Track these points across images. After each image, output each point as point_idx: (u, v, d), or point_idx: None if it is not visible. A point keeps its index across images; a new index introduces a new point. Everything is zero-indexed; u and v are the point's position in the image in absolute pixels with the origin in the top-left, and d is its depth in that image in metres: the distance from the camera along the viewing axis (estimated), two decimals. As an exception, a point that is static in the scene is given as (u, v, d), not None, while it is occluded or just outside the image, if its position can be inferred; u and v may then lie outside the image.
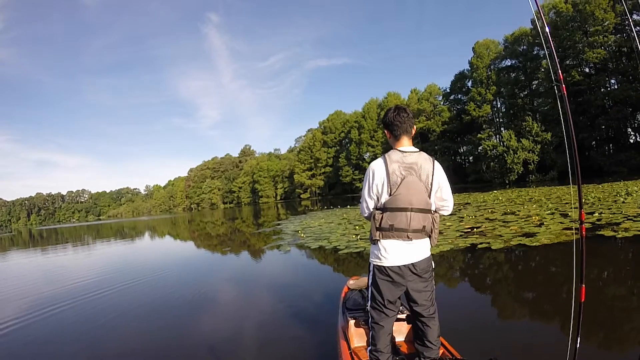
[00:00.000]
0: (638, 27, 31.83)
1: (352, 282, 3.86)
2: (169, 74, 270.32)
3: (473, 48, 49.71)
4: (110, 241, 22.70)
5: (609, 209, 9.91)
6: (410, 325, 2.67)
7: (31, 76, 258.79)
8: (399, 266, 2.22)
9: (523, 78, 46.09)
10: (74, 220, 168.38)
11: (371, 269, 2.33)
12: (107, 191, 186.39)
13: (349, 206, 27.53)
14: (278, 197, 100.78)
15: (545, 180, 35.87)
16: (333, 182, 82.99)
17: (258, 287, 6.78)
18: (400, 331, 2.83)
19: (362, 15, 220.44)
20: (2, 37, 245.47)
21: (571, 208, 10.58)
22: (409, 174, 2.16)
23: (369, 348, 2.40)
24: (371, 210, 2.28)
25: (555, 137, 37.71)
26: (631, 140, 37.90)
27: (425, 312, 2.31)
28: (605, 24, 34.03)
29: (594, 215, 9.15)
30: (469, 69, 51.00)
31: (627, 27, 34.16)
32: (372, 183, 2.22)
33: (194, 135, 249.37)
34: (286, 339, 3.92)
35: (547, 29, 2.25)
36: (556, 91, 2.23)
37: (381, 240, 2.23)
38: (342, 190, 78.36)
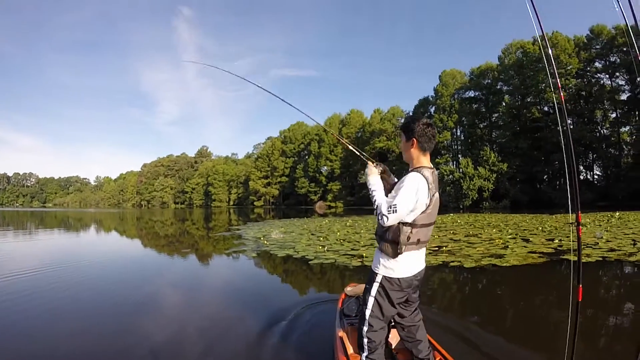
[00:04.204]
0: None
1: (349, 289, 3.76)
2: (132, 61, 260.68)
3: (439, 76, 51.86)
4: (53, 231, 20.86)
5: (567, 237, 10.31)
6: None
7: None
8: (410, 276, 2.31)
9: (484, 110, 48.47)
10: (18, 204, 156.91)
11: (378, 280, 2.33)
12: (56, 177, 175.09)
13: (306, 218, 27.30)
14: (231, 202, 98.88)
15: (499, 207, 37.58)
16: (288, 192, 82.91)
17: (235, 296, 6.20)
18: (396, 337, 2.82)
19: (334, 30, 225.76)
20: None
21: (559, 239, 10.88)
22: (436, 191, 2.27)
23: (365, 355, 2.40)
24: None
25: (511, 169, 39.76)
26: (582, 177, 40.64)
27: (412, 310, 2.53)
28: (569, 68, 36.57)
29: (554, 241, 9.50)
30: (434, 95, 52.96)
31: (588, 73, 36.88)
32: (415, 200, 2.15)
33: (150, 129, 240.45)
34: (281, 348, 3.68)
35: (549, 51, 2.41)
36: (555, 102, 2.22)
37: (402, 254, 2.25)
38: (297, 202, 78.30)
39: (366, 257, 8.28)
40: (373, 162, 2.57)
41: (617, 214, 17.63)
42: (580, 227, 2.19)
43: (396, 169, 55.42)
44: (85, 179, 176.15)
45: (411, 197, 2.14)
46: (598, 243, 8.85)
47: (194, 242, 15.32)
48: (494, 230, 13.19)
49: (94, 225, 26.61)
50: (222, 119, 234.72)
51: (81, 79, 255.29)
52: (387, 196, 2.27)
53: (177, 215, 42.96)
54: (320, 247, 10.04)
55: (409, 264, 2.28)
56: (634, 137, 36.39)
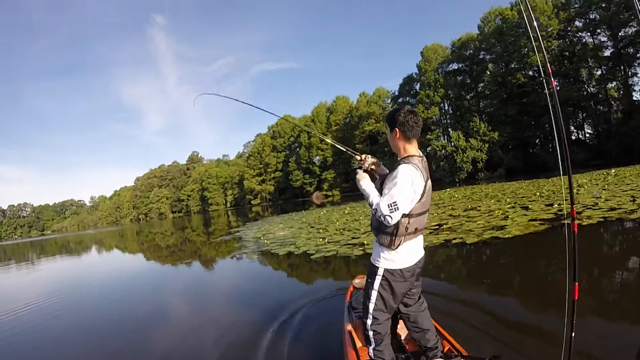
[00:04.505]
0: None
1: (357, 281, 3.79)
2: (113, 78, 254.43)
3: (421, 52, 51.31)
4: (55, 257, 20.69)
5: (567, 200, 10.23)
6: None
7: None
8: (412, 265, 2.30)
9: (469, 81, 48.24)
10: (17, 236, 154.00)
11: (380, 273, 2.31)
12: (51, 204, 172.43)
13: (304, 210, 27.21)
14: (228, 204, 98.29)
15: (494, 177, 37.59)
16: (283, 187, 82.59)
17: (241, 298, 6.20)
18: (405, 328, 2.81)
19: (309, 20, 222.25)
20: None
21: (558, 203, 10.85)
22: (428, 178, 2.26)
23: (372, 347, 2.42)
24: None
25: (502, 137, 39.78)
26: (573, 137, 40.65)
27: (416, 299, 2.53)
28: (549, 29, 36.35)
29: (553, 206, 9.46)
30: (417, 72, 52.47)
31: (569, 33, 36.70)
32: (413, 192, 2.15)
33: (139, 142, 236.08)
34: (290, 344, 3.69)
35: (535, 23, 2.26)
36: (545, 87, 2.26)
37: (402, 244, 2.24)
38: (293, 195, 78.23)
39: (367, 244, 8.20)
40: (359, 156, 2.52)
41: (613, 171, 17.62)
42: (575, 222, 2.13)
43: (387, 150, 55.43)
44: (81, 200, 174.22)
45: (408, 191, 2.13)
46: (597, 203, 8.78)
47: (196, 250, 15.22)
48: (492, 201, 13.14)
49: (95, 246, 26.46)
50: (209, 123, 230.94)
51: (61, 103, 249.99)
52: (380, 190, 2.24)
53: (176, 225, 42.75)
54: (321, 240, 9.95)
55: (409, 253, 2.28)
56: (621, 92, 36.39)
